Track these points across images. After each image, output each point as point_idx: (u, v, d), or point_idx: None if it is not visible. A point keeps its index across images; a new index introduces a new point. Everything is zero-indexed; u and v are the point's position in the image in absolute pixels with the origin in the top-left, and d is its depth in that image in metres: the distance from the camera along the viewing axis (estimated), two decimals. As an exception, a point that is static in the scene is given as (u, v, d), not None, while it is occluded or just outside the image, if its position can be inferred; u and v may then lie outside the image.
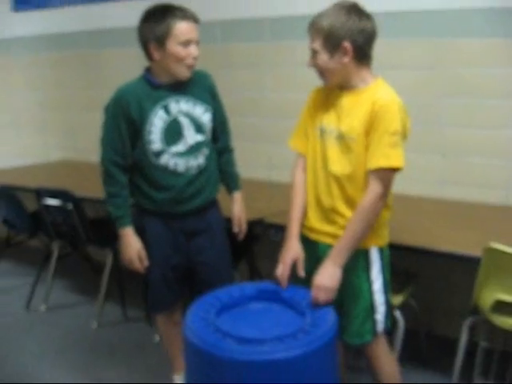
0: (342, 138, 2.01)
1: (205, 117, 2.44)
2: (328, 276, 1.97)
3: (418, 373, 2.88)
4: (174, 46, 2.26)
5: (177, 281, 2.56)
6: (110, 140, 2.39)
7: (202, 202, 2.48)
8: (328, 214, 2.09)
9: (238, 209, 2.64)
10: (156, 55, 2.30)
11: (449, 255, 2.41)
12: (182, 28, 2.25)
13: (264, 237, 3.23)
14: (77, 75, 4.65)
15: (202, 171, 2.45)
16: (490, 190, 3.03)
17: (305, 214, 2.18)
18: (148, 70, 2.39)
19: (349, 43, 1.93)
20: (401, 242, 2.41)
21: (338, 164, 2.03)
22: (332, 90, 2.10)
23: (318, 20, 1.98)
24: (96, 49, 4.44)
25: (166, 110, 2.36)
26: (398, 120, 1.91)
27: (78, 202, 3.41)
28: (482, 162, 3.04)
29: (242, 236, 2.66)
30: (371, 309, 2.11)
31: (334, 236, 2.05)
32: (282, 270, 2.08)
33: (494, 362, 2.74)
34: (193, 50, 2.30)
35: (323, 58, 1.98)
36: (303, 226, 2.19)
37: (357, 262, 2.07)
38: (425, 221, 2.78)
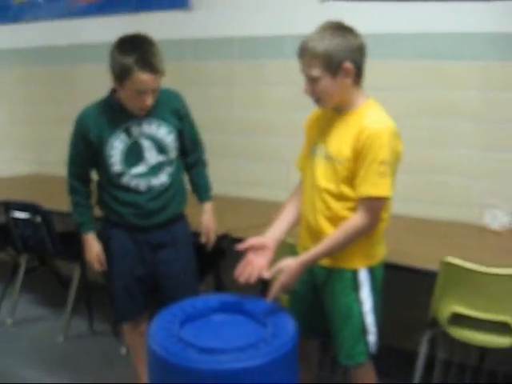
0: (329, 159, 2.02)
1: (169, 137, 2.48)
2: (292, 275, 2.00)
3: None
4: (128, 90, 2.29)
5: (141, 292, 2.60)
6: (71, 156, 2.52)
7: (166, 217, 2.54)
8: (315, 233, 2.09)
9: (207, 219, 2.70)
10: (116, 85, 2.34)
11: (408, 269, 2.49)
12: (139, 78, 2.24)
13: (230, 251, 3.28)
14: (47, 90, 4.66)
15: (165, 189, 2.51)
16: (448, 206, 3.12)
17: (299, 234, 2.22)
18: (114, 91, 2.42)
19: (350, 63, 1.91)
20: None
21: (325, 182, 2.03)
22: (326, 111, 2.10)
23: (311, 45, 1.92)
24: (66, 64, 4.45)
25: (128, 132, 2.41)
26: (386, 148, 1.90)
27: (46, 215, 3.42)
28: (444, 179, 3.14)
29: (209, 246, 2.72)
30: (362, 330, 2.10)
31: (328, 258, 2.06)
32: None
33: (452, 374, 2.81)
34: (146, 99, 2.31)
35: (326, 82, 1.94)
36: (301, 245, 2.20)
37: (344, 283, 2.08)
38: (388, 236, 2.83)
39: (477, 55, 2.95)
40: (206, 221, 2.70)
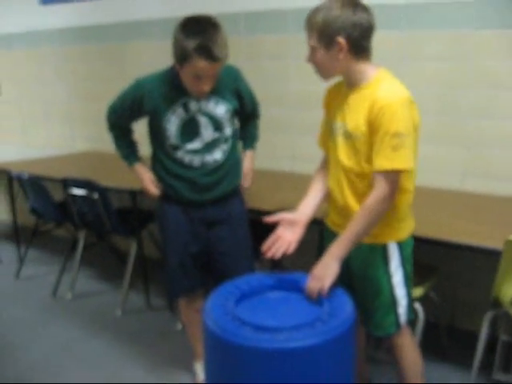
0: (348, 136, 1.99)
1: (226, 115, 2.46)
2: (323, 267, 1.97)
3: (437, 365, 2.88)
4: (187, 73, 2.25)
5: (196, 268, 2.61)
6: (116, 105, 2.59)
7: (220, 192, 2.54)
8: (343, 210, 2.09)
9: (248, 165, 2.72)
10: (176, 65, 2.30)
11: (470, 248, 2.39)
12: (199, 64, 2.19)
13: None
14: (104, 67, 4.71)
15: (219, 165, 2.50)
16: (510, 182, 3.01)
17: (327, 209, 2.22)
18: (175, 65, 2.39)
19: (343, 38, 1.86)
20: (422, 235, 2.40)
21: (347, 160, 2.01)
22: (341, 88, 2.07)
23: (312, 15, 1.92)
24: (122, 41, 4.49)
25: (185, 108, 2.39)
26: (399, 120, 1.84)
27: (103, 191, 3.46)
28: (503, 154, 3.02)
29: (247, 185, 2.74)
30: (392, 302, 2.11)
31: None
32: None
33: (515, 356, 2.73)
34: (204, 84, 2.27)
35: (320, 54, 1.93)
36: (329, 220, 2.22)
37: (374, 257, 2.08)
38: (446, 213, 2.77)
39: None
40: (247, 167, 2.72)
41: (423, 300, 2.60)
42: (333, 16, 1.86)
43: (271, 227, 2.93)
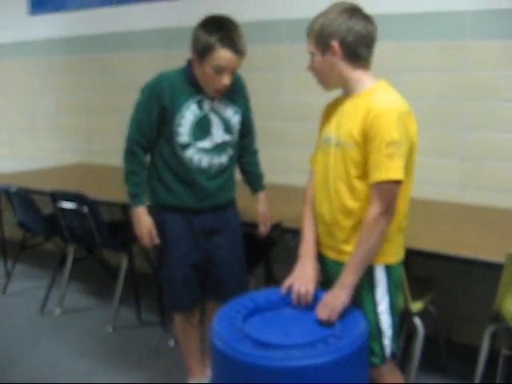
0: (340, 146, 1.91)
1: (235, 118, 2.48)
2: (333, 297, 1.89)
3: (437, 381, 2.82)
4: (208, 67, 2.27)
5: (197, 280, 2.56)
6: (138, 121, 2.44)
7: (222, 199, 2.52)
8: (330, 227, 1.99)
9: (263, 207, 2.67)
10: (195, 63, 2.33)
11: (469, 261, 2.36)
12: (222, 55, 2.24)
13: (280, 241, 3.20)
14: (92, 79, 4.65)
15: (223, 170, 2.48)
16: (510, 194, 2.97)
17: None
18: (190, 63, 2.39)
19: (336, 42, 1.86)
20: (420, 248, 2.37)
21: (337, 172, 1.93)
22: (339, 101, 2.01)
23: (312, 21, 1.93)
24: (111, 52, 4.43)
25: (200, 105, 2.39)
26: (395, 129, 1.78)
27: (93, 205, 3.40)
28: (501, 165, 2.99)
29: (265, 235, 2.69)
30: (377, 332, 1.97)
31: (335, 250, 1.99)
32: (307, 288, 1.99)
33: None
34: (224, 78, 2.29)
35: (317, 59, 1.93)
36: (320, 244, 2.10)
37: (360, 281, 1.92)
38: (444, 226, 2.73)
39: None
40: (263, 209, 2.67)
41: (422, 314, 2.55)
42: (329, 20, 1.88)
43: (264, 242, 2.88)
